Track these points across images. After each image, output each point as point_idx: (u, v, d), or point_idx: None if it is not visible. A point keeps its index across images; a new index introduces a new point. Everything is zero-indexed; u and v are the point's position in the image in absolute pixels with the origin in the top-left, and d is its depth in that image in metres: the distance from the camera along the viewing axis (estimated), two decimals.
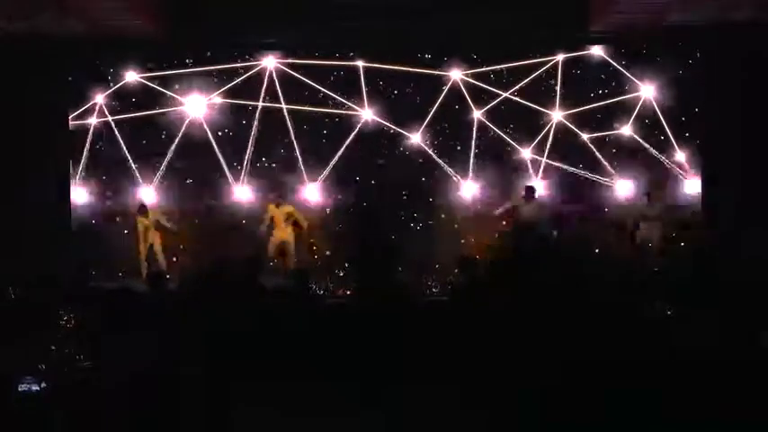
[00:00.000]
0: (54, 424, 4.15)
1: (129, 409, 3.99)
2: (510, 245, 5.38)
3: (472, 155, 11.71)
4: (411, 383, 3.94)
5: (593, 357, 3.89)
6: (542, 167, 11.76)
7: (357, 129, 11.72)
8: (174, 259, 11.49)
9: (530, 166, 11.77)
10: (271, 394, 4.02)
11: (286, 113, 11.67)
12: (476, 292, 5.25)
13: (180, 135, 11.71)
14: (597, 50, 11.69)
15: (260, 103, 11.72)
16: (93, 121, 11.73)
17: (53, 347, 4.95)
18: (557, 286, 4.83)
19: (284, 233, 11.24)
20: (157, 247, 11.28)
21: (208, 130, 11.72)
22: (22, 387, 4.38)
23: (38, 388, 4.38)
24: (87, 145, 11.74)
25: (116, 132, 11.74)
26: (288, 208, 11.35)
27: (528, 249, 5.26)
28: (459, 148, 11.81)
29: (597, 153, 11.71)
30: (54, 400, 4.28)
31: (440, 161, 11.74)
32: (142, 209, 11.28)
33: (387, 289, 5.68)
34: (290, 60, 11.64)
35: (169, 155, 11.72)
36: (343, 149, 11.71)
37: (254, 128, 11.70)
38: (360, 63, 11.63)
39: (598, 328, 4.17)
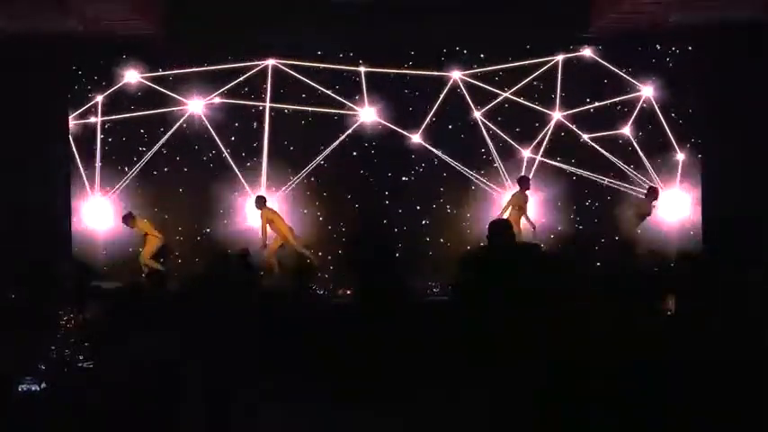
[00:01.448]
0: (54, 424, 4.15)
1: (130, 409, 3.99)
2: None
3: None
4: (412, 384, 3.94)
5: (593, 358, 3.89)
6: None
7: (353, 129, 11.75)
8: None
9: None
10: (271, 394, 4.02)
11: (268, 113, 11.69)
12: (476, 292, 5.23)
13: (180, 135, 11.72)
14: (596, 51, 11.68)
15: (261, 104, 11.73)
16: (93, 120, 11.73)
17: (53, 347, 4.94)
18: (555, 287, 4.83)
19: (287, 236, 11.10)
20: (144, 253, 11.23)
21: (210, 129, 11.71)
22: (22, 387, 4.37)
23: (38, 388, 4.38)
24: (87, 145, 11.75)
25: (114, 132, 11.77)
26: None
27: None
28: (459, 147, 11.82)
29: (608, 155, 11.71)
30: (54, 400, 4.27)
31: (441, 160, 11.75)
32: (126, 218, 11.23)
33: (387, 289, 5.68)
34: (290, 62, 11.63)
35: (168, 155, 11.73)
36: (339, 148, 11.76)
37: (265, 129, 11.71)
38: (362, 69, 11.61)
39: (598, 329, 4.17)
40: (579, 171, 11.72)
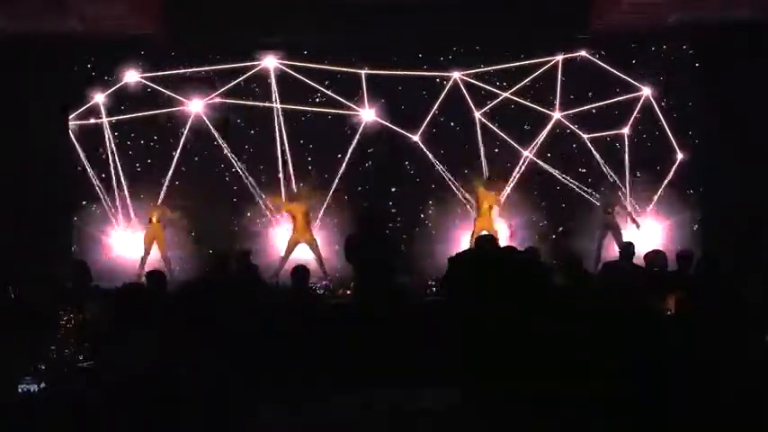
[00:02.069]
0: (54, 424, 4.15)
1: (130, 409, 3.99)
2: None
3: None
4: (411, 384, 3.94)
5: (593, 359, 3.89)
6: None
7: (358, 130, 11.73)
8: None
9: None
10: (270, 393, 4.02)
11: (280, 114, 11.67)
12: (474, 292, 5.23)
13: (182, 136, 11.71)
14: (596, 51, 11.66)
15: (262, 104, 11.73)
16: (93, 120, 11.72)
17: (53, 347, 4.95)
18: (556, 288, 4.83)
19: (305, 234, 11.03)
20: (163, 253, 11.18)
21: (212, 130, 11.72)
22: (22, 387, 4.38)
23: (38, 388, 4.38)
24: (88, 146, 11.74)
25: (114, 133, 11.76)
26: (304, 205, 11.11)
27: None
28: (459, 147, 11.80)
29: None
30: (54, 400, 4.28)
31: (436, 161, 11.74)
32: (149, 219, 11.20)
33: (387, 289, 5.69)
34: (291, 63, 11.61)
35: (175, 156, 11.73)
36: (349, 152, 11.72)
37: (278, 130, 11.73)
38: (364, 71, 11.56)
39: (599, 329, 4.17)
40: (568, 180, 11.74)
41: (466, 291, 4.49)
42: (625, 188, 11.47)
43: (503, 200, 11.40)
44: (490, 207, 11.06)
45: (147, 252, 11.16)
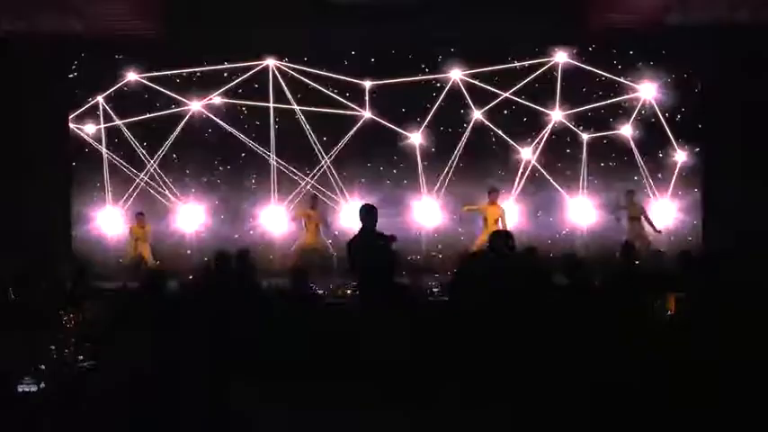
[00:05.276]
0: (54, 424, 4.15)
1: (129, 409, 3.99)
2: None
3: None
4: (412, 383, 3.93)
5: (594, 358, 3.90)
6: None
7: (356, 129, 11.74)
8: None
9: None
10: (269, 393, 4.02)
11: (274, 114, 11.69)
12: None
13: (183, 135, 11.71)
14: (595, 51, 11.64)
15: (262, 103, 11.73)
16: (93, 121, 11.71)
17: (53, 347, 4.95)
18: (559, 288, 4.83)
19: (315, 239, 11.09)
20: (148, 259, 11.10)
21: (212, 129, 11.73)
22: (22, 387, 4.37)
23: (38, 388, 4.38)
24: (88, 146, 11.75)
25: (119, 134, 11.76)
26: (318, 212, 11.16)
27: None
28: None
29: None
30: (54, 400, 4.28)
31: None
32: (139, 216, 11.09)
33: (387, 289, 5.69)
34: (291, 65, 11.61)
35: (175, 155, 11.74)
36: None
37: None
38: (367, 82, 11.57)
39: (601, 327, 4.18)
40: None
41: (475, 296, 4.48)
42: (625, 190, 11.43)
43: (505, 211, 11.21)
44: (495, 221, 10.92)
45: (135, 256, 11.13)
